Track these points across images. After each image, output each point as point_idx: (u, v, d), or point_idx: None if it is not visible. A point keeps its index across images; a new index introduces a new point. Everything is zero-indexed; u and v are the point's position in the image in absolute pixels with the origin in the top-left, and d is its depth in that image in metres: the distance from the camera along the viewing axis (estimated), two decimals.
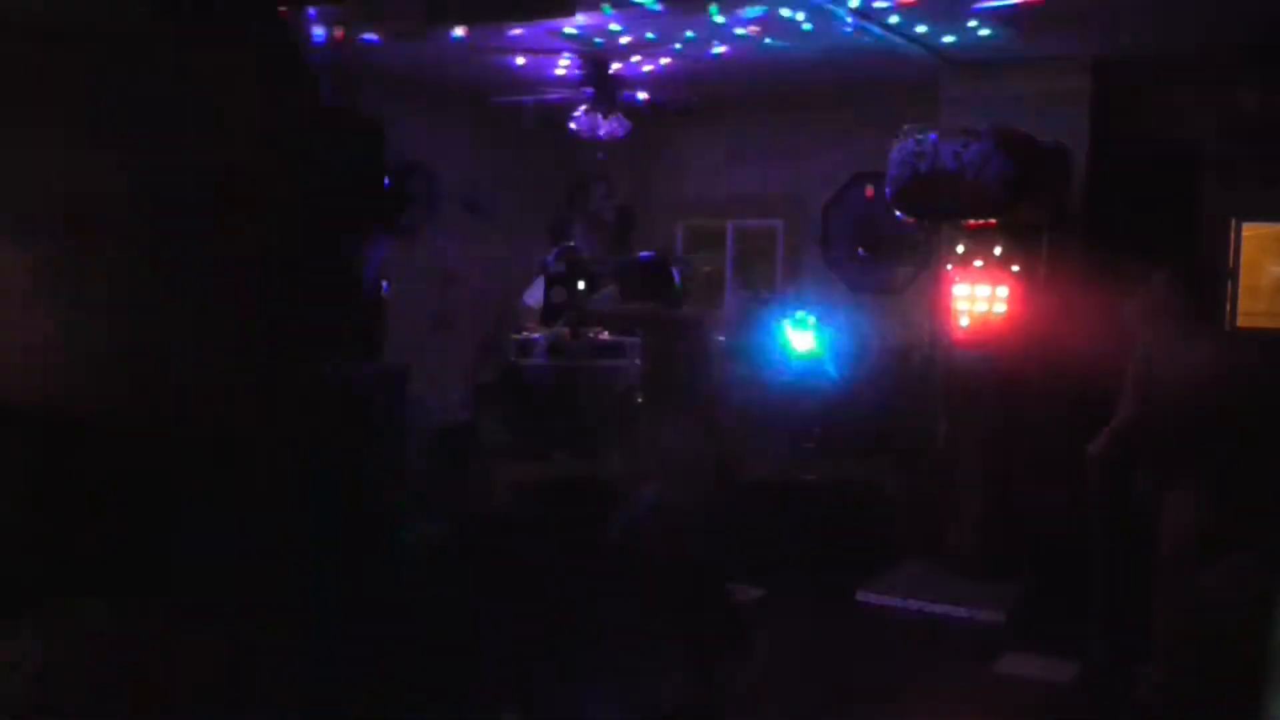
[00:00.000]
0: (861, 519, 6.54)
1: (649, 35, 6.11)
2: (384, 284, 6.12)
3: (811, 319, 7.10)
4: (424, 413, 7.26)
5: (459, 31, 6.03)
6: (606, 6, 5.41)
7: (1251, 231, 6.28)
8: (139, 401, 0.64)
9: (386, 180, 6.31)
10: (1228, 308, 6.29)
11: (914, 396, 6.71)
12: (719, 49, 6.29)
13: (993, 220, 5.76)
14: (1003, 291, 5.86)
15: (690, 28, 5.92)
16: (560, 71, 6.90)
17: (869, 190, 7.59)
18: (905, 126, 5.85)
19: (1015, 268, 5.89)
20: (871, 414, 6.82)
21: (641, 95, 6.82)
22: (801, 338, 7.06)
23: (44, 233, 0.59)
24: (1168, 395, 4.15)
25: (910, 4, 5.34)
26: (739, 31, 5.96)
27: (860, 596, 5.71)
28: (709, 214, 8.63)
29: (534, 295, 7.28)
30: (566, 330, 7.08)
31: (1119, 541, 4.60)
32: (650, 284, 5.22)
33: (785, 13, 5.53)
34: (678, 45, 6.30)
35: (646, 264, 5.64)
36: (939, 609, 5.52)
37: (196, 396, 0.68)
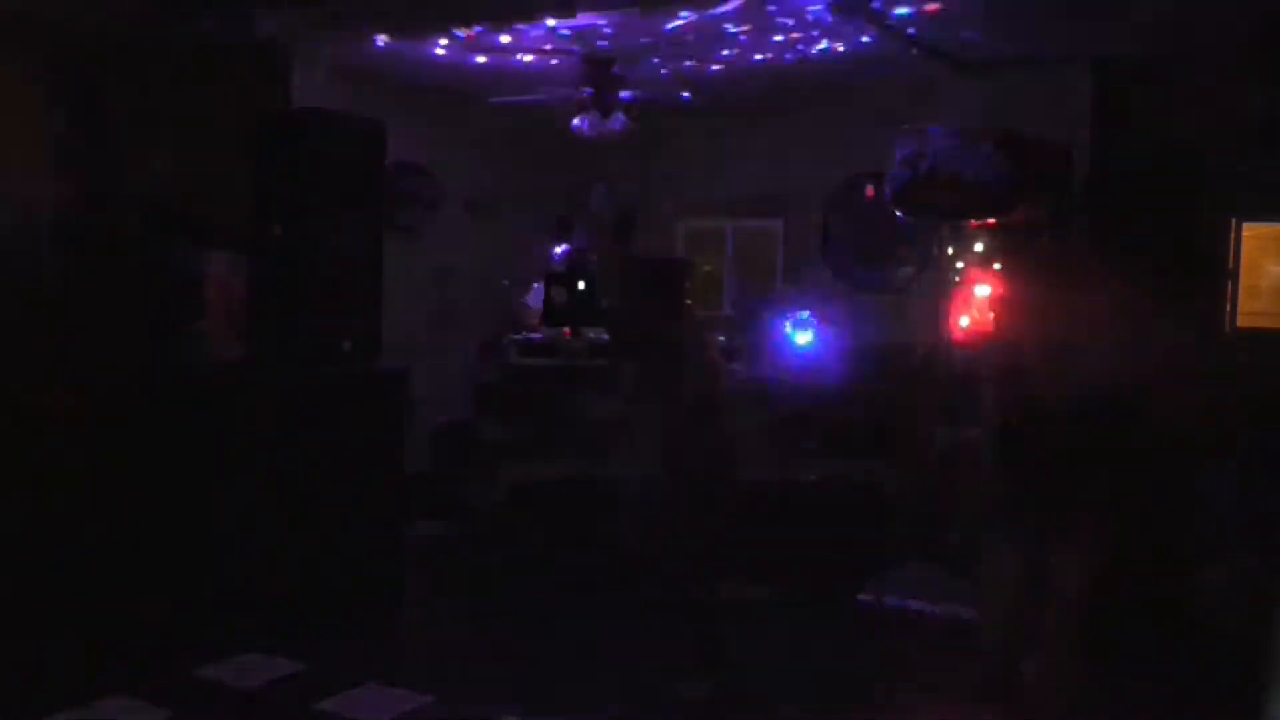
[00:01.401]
0: (861, 519, 6.53)
1: (650, 35, 6.11)
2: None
3: (811, 319, 7.10)
4: (424, 413, 7.26)
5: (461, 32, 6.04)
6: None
7: (1251, 231, 6.28)
8: None
9: (386, 180, 6.31)
10: (1226, 308, 6.29)
11: (914, 396, 6.71)
12: (720, 48, 6.29)
13: (993, 220, 5.76)
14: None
15: (690, 28, 5.92)
16: (563, 68, 6.89)
17: (869, 190, 7.59)
18: (905, 126, 5.84)
19: (1015, 268, 5.88)
20: (871, 414, 6.81)
21: (625, 93, 6.82)
22: (801, 338, 7.06)
23: None
24: (1040, 403, 3.40)
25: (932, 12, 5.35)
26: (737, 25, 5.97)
27: (860, 596, 5.71)
28: (709, 214, 8.63)
29: (537, 298, 7.29)
30: (566, 330, 7.08)
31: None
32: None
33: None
34: (677, 45, 6.30)
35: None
36: (939, 609, 5.52)
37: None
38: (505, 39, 6.21)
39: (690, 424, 4.38)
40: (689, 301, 6.80)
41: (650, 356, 4.59)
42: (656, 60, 6.64)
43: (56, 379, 5.72)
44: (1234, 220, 6.26)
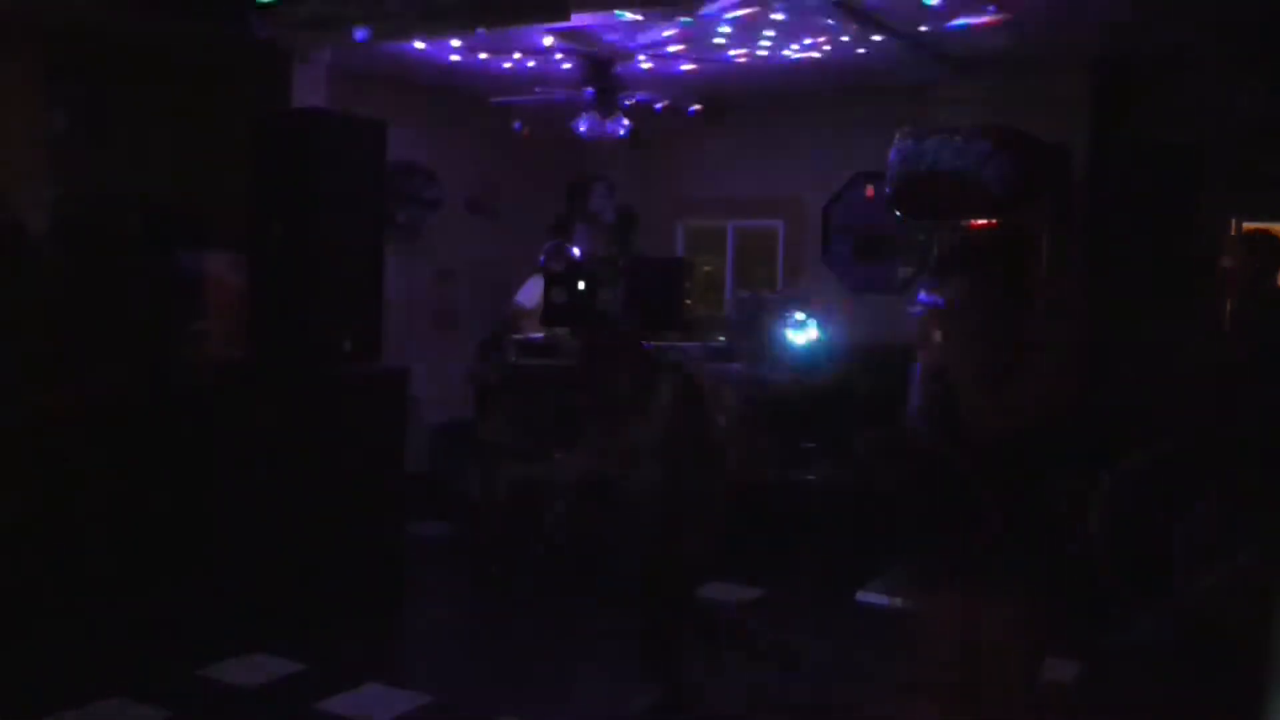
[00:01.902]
0: (861, 519, 6.53)
1: (648, 36, 6.11)
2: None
3: (811, 319, 7.10)
4: (424, 413, 7.27)
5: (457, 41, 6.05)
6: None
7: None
8: None
9: (386, 180, 6.31)
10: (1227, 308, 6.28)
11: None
12: (719, 42, 6.29)
13: (993, 220, 5.76)
14: None
15: (689, 27, 5.92)
16: (563, 68, 6.90)
17: (869, 190, 7.59)
18: (905, 127, 5.84)
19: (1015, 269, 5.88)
20: (871, 414, 6.81)
21: (656, 102, 6.83)
22: (801, 338, 7.05)
23: None
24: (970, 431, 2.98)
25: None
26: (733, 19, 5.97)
27: (860, 596, 5.71)
28: (709, 214, 8.63)
29: (527, 295, 7.28)
30: (566, 330, 7.08)
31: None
32: None
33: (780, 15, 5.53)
34: (678, 46, 6.30)
35: None
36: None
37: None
38: (506, 40, 6.21)
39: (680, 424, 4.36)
40: (689, 301, 6.82)
41: (618, 360, 4.57)
42: (657, 61, 6.64)
43: (57, 379, 5.72)
44: (1234, 220, 6.26)
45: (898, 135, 5.81)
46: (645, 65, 6.71)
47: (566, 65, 6.74)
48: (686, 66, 6.74)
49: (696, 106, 7.19)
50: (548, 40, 6.19)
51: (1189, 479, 4.14)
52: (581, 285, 7.15)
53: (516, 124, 7.28)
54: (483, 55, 6.58)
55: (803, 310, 7.17)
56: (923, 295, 4.43)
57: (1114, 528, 3.64)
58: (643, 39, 6.16)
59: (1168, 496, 4.13)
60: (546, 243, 7.87)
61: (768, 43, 6.18)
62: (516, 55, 6.62)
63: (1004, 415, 2.77)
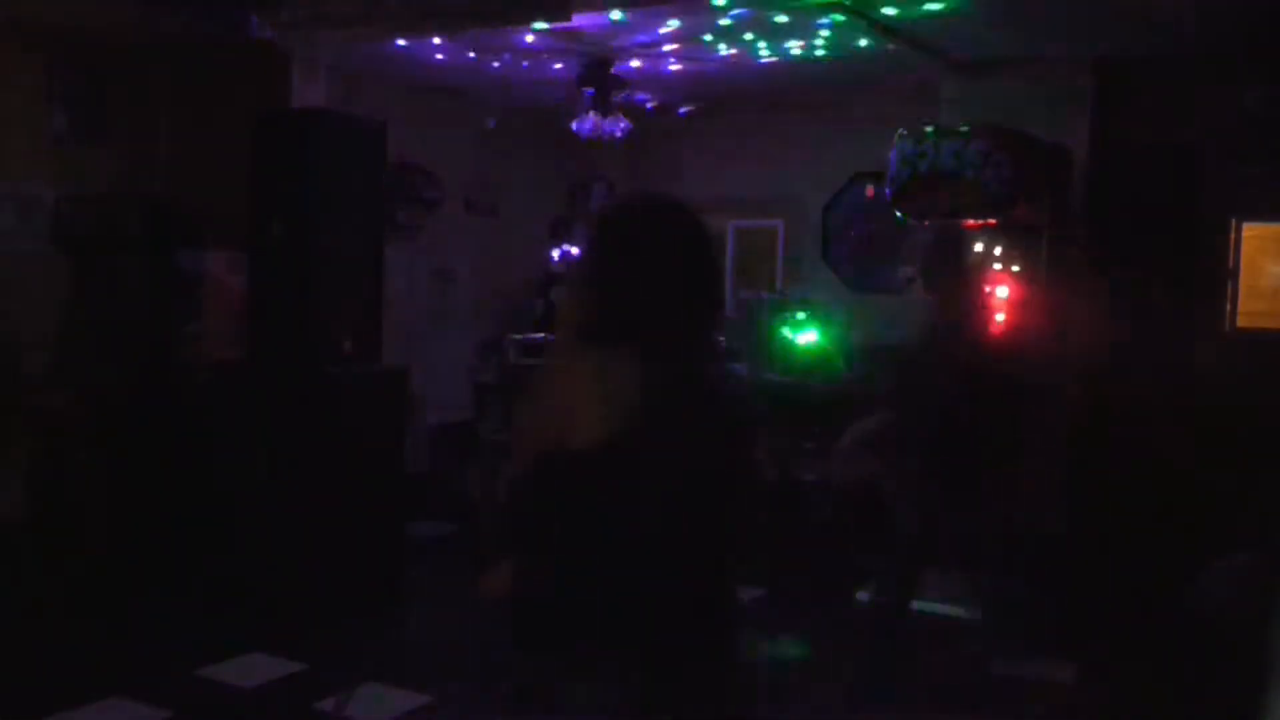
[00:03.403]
0: (862, 519, 6.52)
1: (648, 36, 6.11)
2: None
3: (811, 319, 7.10)
4: (424, 413, 7.26)
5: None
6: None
7: (1251, 231, 6.28)
8: None
9: (386, 180, 6.31)
10: (1226, 308, 6.28)
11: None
12: (719, 48, 6.29)
13: (993, 220, 5.76)
14: (1003, 291, 5.86)
15: (689, 27, 5.91)
16: (558, 68, 6.89)
17: (869, 190, 7.59)
18: (905, 127, 5.83)
19: (1015, 268, 5.88)
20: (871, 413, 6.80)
21: (649, 102, 6.82)
22: (802, 338, 7.06)
23: None
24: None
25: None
26: (737, 22, 5.96)
27: (860, 596, 5.70)
28: (709, 214, 8.58)
29: None
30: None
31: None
32: None
33: (781, 17, 5.53)
34: (678, 45, 6.30)
35: None
36: (939, 609, 5.52)
37: None
38: (505, 40, 6.21)
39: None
40: None
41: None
42: (661, 66, 6.64)
43: (57, 379, 5.72)
44: (1234, 220, 6.26)
45: (898, 135, 5.81)
46: (635, 64, 6.71)
47: (558, 65, 6.74)
48: (675, 66, 6.73)
49: (687, 108, 7.17)
50: (536, 38, 6.18)
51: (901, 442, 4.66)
52: None
53: (490, 121, 7.28)
54: (482, 57, 6.57)
55: (803, 310, 7.17)
56: None
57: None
58: (640, 38, 6.16)
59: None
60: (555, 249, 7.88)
61: (767, 41, 6.17)
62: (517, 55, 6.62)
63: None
